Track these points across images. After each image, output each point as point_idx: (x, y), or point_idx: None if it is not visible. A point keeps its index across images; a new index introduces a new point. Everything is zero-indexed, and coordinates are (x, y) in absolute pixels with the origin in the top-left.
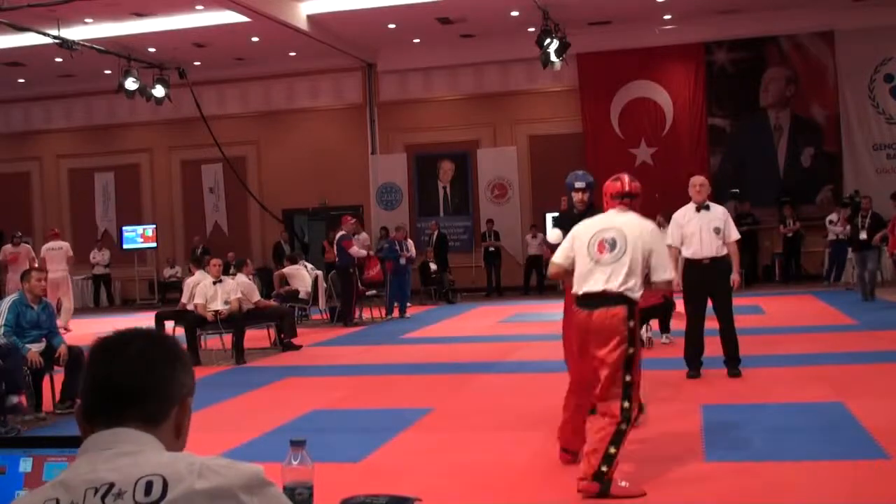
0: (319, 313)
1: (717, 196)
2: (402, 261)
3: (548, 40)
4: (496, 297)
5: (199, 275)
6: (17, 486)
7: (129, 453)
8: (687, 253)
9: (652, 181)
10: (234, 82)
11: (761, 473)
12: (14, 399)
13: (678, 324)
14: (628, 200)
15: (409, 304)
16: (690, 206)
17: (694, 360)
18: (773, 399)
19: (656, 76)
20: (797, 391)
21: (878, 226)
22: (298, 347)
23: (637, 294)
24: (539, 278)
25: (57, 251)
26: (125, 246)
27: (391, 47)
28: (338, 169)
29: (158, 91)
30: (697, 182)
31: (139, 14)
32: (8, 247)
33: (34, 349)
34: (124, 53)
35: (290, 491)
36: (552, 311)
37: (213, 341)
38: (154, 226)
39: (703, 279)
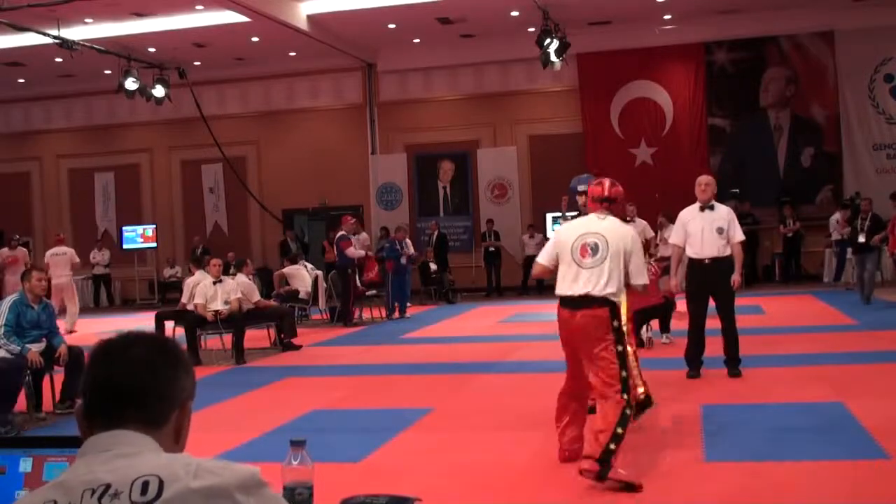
0: (319, 313)
1: (718, 196)
2: (404, 260)
3: (548, 40)
4: (496, 297)
5: (199, 275)
6: (17, 486)
7: (126, 455)
8: (690, 252)
9: (652, 181)
10: (234, 82)
11: (761, 473)
12: None
13: (678, 324)
14: (607, 204)
15: (409, 304)
16: (695, 206)
17: (694, 359)
18: (773, 399)
19: (656, 76)
20: (797, 391)
21: (878, 228)
22: (298, 347)
23: (618, 297)
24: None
25: (61, 256)
26: (125, 246)
27: (391, 47)
28: (338, 169)
29: (158, 91)
30: (703, 181)
31: (139, 14)
32: (5, 250)
33: (34, 349)
34: (124, 53)
35: (290, 491)
36: (552, 312)
37: (213, 341)
38: (154, 226)
39: (705, 279)
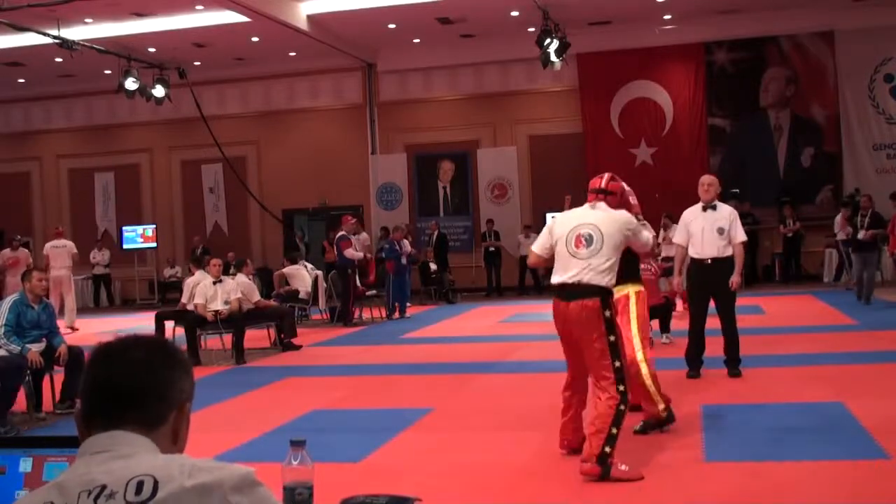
0: (319, 313)
1: (718, 196)
2: (404, 260)
3: (548, 40)
4: (496, 297)
5: (199, 275)
6: (17, 486)
7: (123, 456)
8: (691, 252)
9: (652, 181)
10: (234, 82)
11: (761, 473)
12: None
13: (678, 323)
14: (602, 196)
15: (409, 304)
16: (698, 206)
17: (695, 359)
18: (773, 399)
19: (656, 76)
20: (797, 391)
21: (878, 225)
22: (298, 347)
23: (612, 286)
24: (535, 278)
25: (61, 249)
26: (125, 246)
27: (391, 47)
28: (338, 169)
29: (158, 91)
30: (706, 181)
31: (139, 14)
32: (7, 251)
33: (34, 349)
34: (124, 53)
35: (290, 491)
36: (552, 312)
37: (213, 341)
38: (154, 226)
39: (706, 279)
